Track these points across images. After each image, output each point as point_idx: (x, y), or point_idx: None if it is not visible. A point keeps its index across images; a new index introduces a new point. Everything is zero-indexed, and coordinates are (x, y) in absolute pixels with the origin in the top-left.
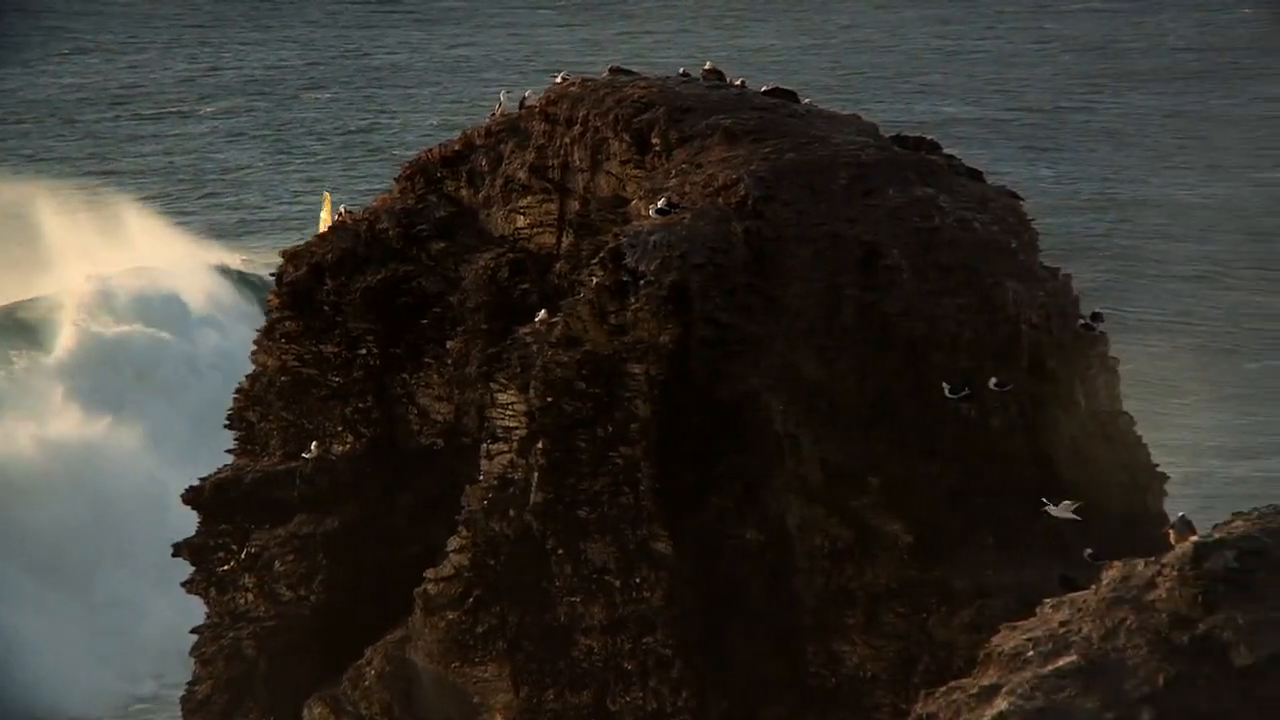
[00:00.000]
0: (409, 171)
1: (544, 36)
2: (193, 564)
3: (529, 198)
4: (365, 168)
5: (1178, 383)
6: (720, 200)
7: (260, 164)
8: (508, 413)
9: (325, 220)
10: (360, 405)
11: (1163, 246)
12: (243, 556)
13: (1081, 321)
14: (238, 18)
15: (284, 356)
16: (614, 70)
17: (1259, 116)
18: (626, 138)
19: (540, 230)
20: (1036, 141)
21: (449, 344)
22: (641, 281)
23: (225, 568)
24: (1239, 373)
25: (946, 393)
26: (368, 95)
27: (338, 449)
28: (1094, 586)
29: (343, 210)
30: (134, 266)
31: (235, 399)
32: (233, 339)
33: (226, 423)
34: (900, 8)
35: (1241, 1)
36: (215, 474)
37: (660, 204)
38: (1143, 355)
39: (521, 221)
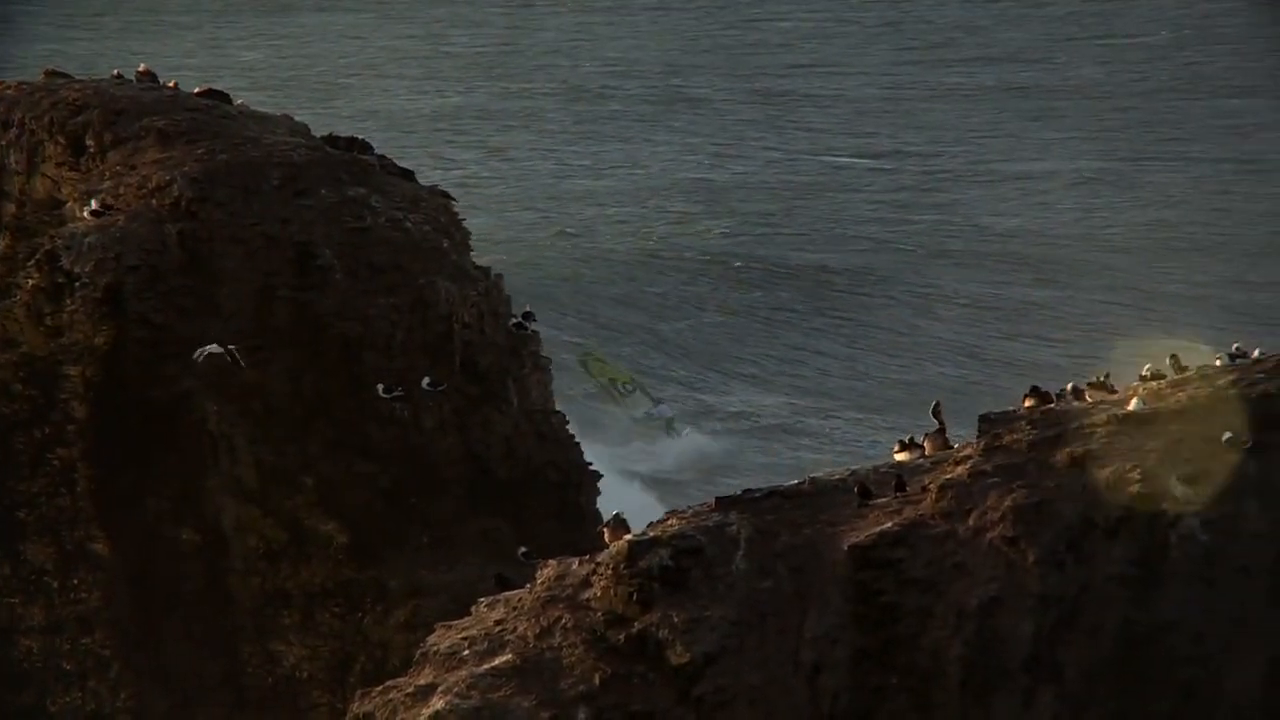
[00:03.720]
0: None
1: None
2: None
3: None
4: None
5: None
6: (154, 202)
7: None
8: None
9: None
10: None
11: None
12: None
13: (514, 321)
14: None
15: None
16: (49, 73)
17: None
18: (62, 140)
19: None
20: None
21: None
22: (77, 284)
23: None
24: None
25: (380, 392)
26: None
27: None
28: (529, 585)
29: None
30: None
31: None
32: None
33: None
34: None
35: None
36: None
37: (94, 206)
38: None
39: None
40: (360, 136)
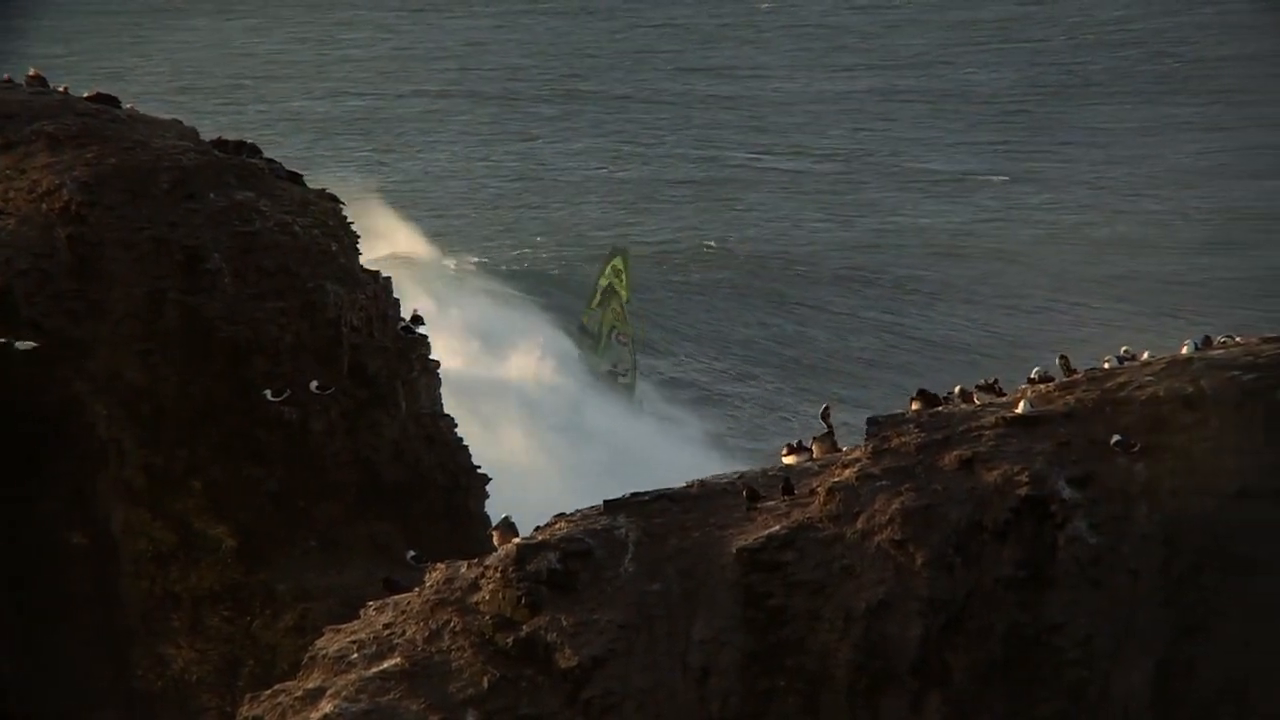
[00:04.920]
0: None
1: None
2: None
3: None
4: None
5: None
6: (44, 206)
7: None
8: None
9: None
10: None
11: None
12: None
13: (402, 324)
14: None
15: None
16: None
17: None
18: None
19: None
20: None
21: None
22: None
23: None
24: None
25: (269, 396)
26: None
27: None
28: (417, 589)
29: None
30: None
31: None
32: None
33: None
34: None
35: None
36: None
37: None
38: None
39: None
40: (249, 140)
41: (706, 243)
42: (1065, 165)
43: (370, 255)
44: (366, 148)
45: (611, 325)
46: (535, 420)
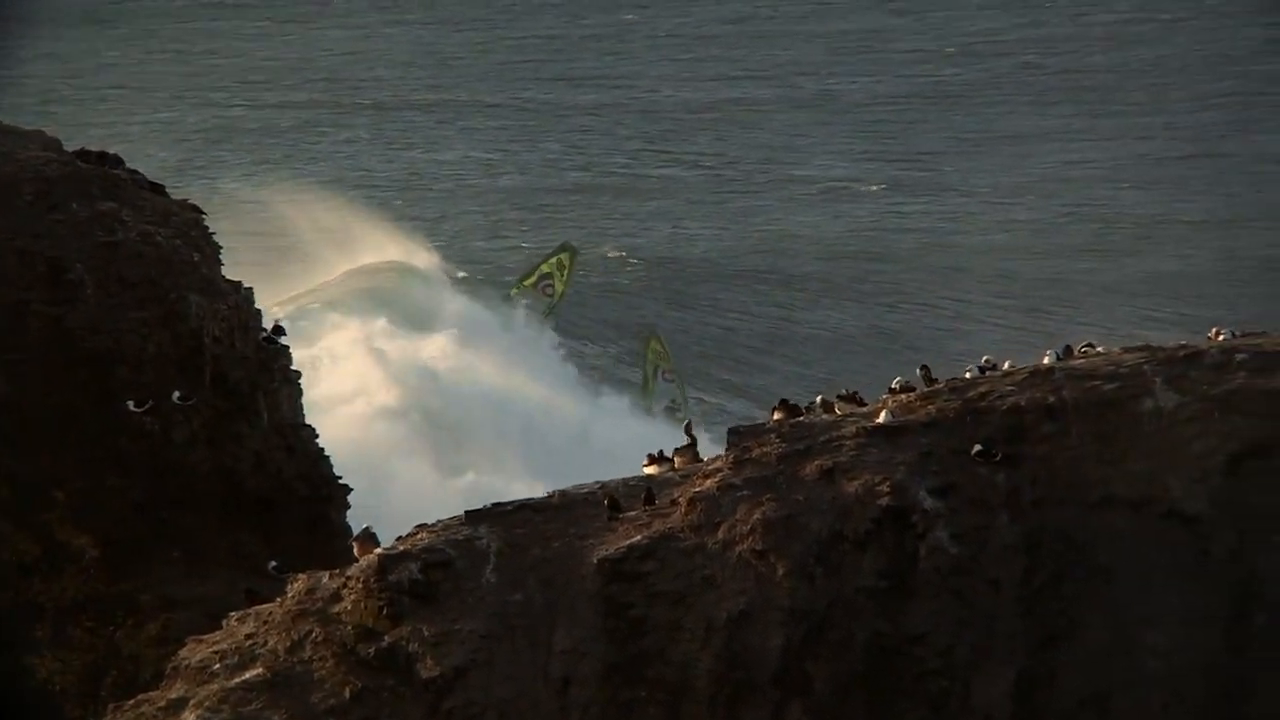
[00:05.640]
0: None
1: None
2: None
3: None
4: None
5: None
6: None
7: None
8: None
9: None
10: None
11: None
12: None
13: (264, 335)
14: None
15: None
16: None
17: None
18: None
19: None
20: None
21: None
22: None
23: None
24: None
25: (131, 407)
26: None
27: None
28: (279, 599)
29: None
30: None
31: None
32: None
33: None
34: None
35: None
36: None
37: None
38: None
39: None
40: (113, 151)
41: (610, 252)
42: (936, 174)
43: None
44: (244, 159)
45: (656, 365)
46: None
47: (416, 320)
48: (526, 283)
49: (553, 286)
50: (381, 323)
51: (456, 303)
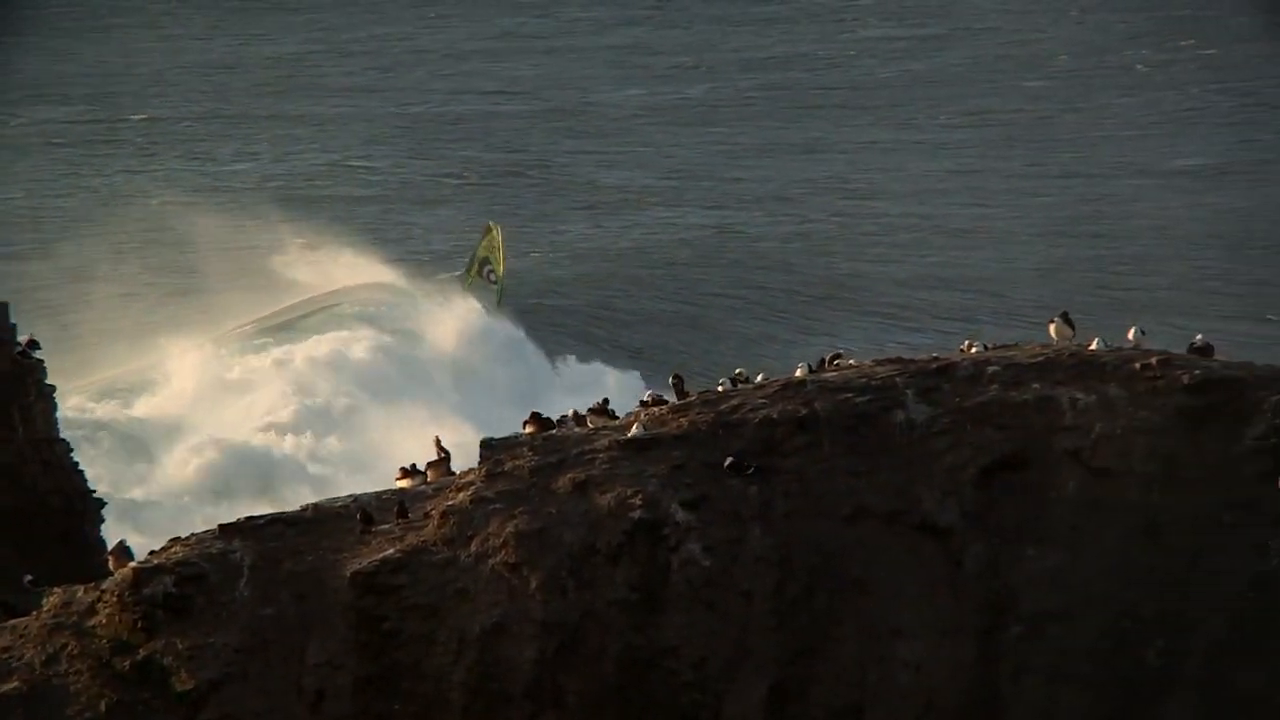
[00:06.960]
0: None
1: None
2: None
3: None
4: None
5: None
6: None
7: None
8: None
9: None
10: None
11: None
12: None
13: (19, 348)
14: None
15: None
16: None
17: None
18: None
19: None
20: None
21: None
22: None
23: None
24: None
25: None
26: None
27: None
28: (35, 613)
29: None
30: None
31: None
32: None
33: None
34: None
35: None
36: None
37: None
38: None
39: None
40: None
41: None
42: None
43: None
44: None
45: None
46: None
47: None
48: (471, 273)
49: (494, 270)
50: None
51: None
